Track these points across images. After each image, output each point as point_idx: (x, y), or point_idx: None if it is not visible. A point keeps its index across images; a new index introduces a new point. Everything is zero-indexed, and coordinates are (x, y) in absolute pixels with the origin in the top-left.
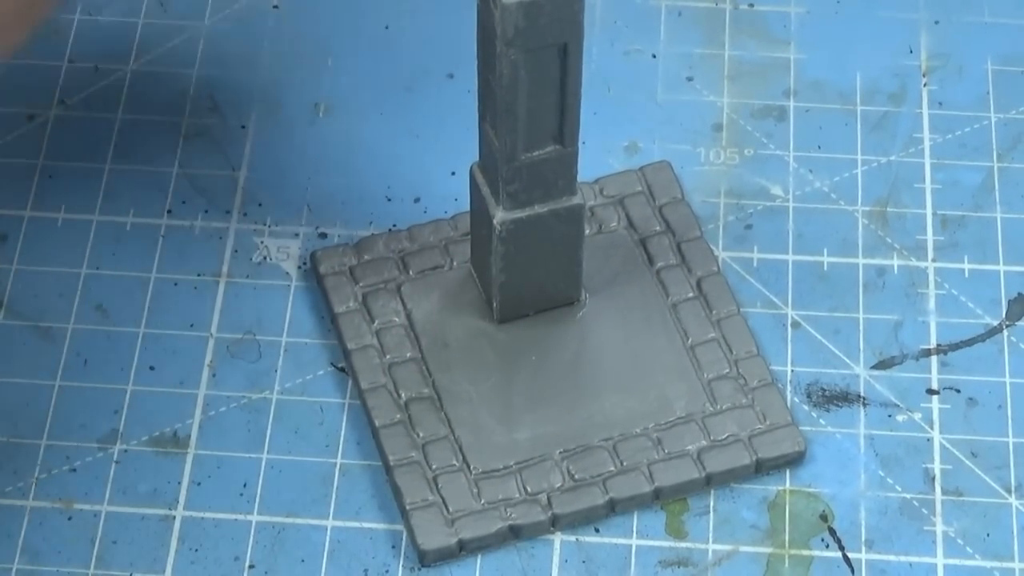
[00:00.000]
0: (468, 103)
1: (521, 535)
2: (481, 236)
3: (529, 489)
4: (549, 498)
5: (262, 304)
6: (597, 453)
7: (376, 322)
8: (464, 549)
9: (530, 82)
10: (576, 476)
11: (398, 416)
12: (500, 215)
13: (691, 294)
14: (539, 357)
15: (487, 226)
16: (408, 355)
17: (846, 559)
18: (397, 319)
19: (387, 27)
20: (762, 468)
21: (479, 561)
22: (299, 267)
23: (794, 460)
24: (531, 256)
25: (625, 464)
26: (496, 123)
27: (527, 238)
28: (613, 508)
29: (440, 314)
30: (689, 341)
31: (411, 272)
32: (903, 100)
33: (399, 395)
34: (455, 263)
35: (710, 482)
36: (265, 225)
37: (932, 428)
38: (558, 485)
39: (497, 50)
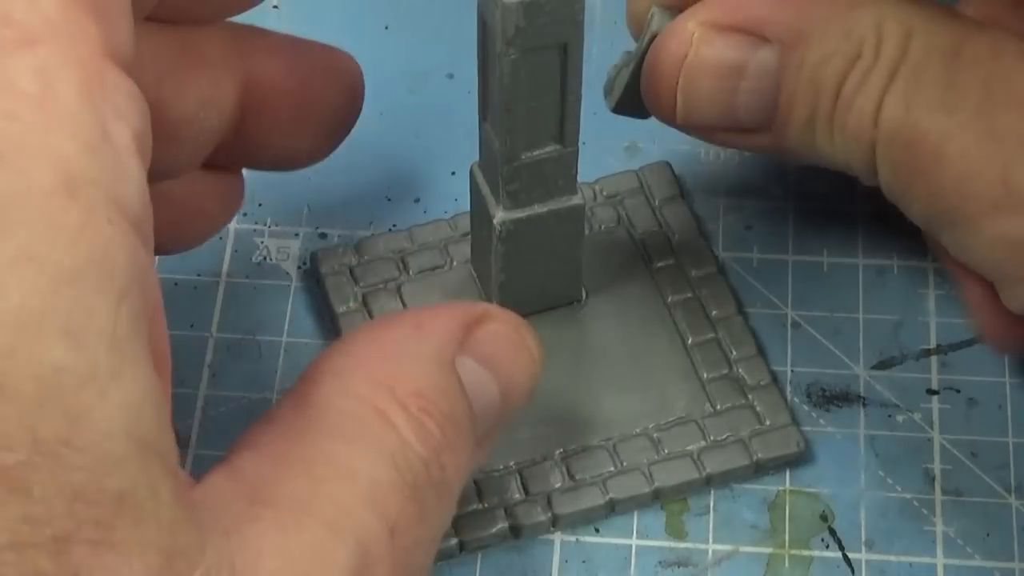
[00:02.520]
0: (468, 103)
1: (521, 535)
2: (481, 236)
3: (529, 489)
4: (549, 498)
5: (262, 304)
6: (597, 453)
7: None
8: (464, 549)
9: (530, 82)
10: (576, 476)
11: None
12: (500, 215)
13: (690, 294)
14: None
15: (487, 226)
16: None
17: (846, 559)
18: None
19: (387, 27)
20: (762, 468)
21: (479, 561)
22: (299, 267)
23: (794, 460)
24: (531, 256)
25: (625, 464)
26: (496, 123)
27: (527, 238)
28: (613, 508)
29: None
30: (689, 341)
31: (411, 272)
32: None
33: None
34: (455, 263)
35: (710, 482)
36: (265, 225)
37: (932, 428)
38: (558, 485)
39: (497, 49)
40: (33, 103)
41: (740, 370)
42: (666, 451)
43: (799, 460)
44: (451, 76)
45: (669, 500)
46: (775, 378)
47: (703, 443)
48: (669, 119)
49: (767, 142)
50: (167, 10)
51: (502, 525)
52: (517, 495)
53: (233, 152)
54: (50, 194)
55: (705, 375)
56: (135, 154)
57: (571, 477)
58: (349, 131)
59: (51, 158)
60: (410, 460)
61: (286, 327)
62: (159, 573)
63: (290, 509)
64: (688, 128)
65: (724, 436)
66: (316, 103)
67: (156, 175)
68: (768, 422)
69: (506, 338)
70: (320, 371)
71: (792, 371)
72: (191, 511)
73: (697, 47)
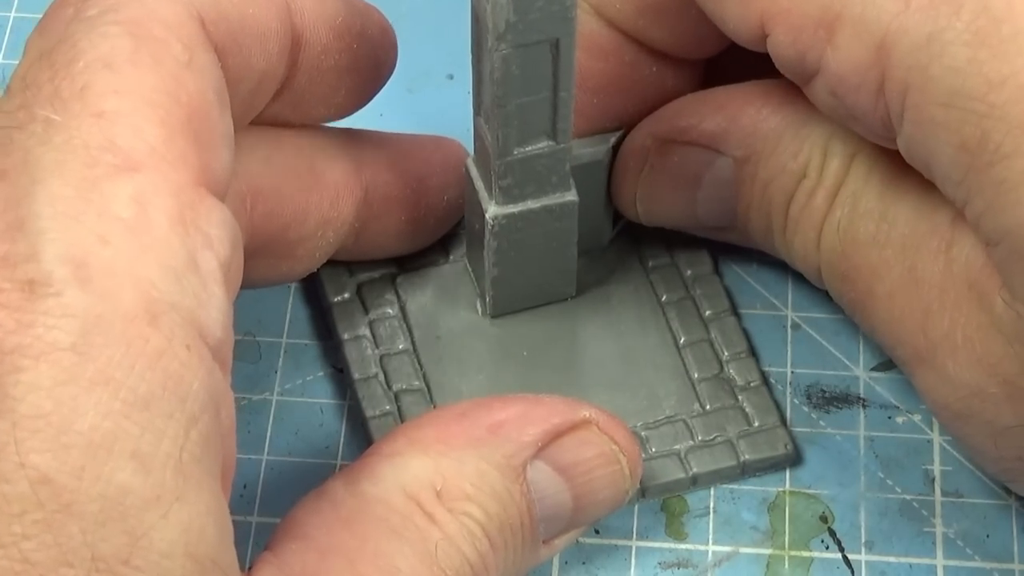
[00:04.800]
0: (468, 103)
1: None
2: (475, 230)
3: None
4: None
5: (262, 305)
6: None
7: (370, 313)
8: None
9: (522, 77)
10: None
11: (388, 407)
12: (493, 210)
13: (684, 293)
14: (530, 352)
15: (480, 221)
16: (400, 347)
17: (846, 560)
18: (391, 311)
19: None
20: (748, 470)
21: None
22: None
23: (782, 462)
24: (524, 251)
25: None
26: (488, 118)
27: (520, 233)
28: None
29: (434, 307)
30: (681, 340)
31: (407, 265)
32: None
33: (389, 386)
34: (451, 257)
35: (696, 482)
36: None
37: (932, 429)
38: None
39: (489, 45)
40: (126, 229)
41: (731, 370)
42: (653, 450)
43: (788, 462)
44: (451, 76)
45: (658, 499)
46: (766, 379)
47: (691, 443)
48: (630, 218)
49: (734, 238)
50: (268, 119)
51: None
52: None
53: (349, 255)
54: (132, 319)
55: (696, 375)
56: (220, 281)
57: None
58: (459, 217)
59: (137, 283)
60: (452, 556)
61: (286, 327)
62: None
63: None
64: (654, 226)
65: (712, 436)
66: (429, 204)
67: (267, 283)
68: (757, 423)
69: (595, 448)
70: (381, 452)
71: (792, 372)
72: None
73: (652, 160)
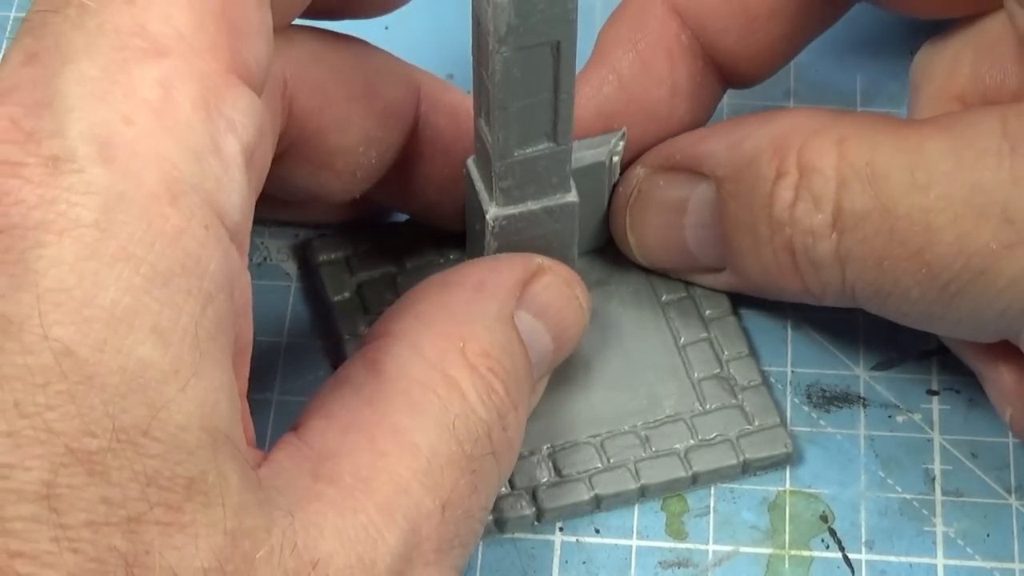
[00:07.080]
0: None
1: (506, 529)
2: (475, 231)
3: (515, 483)
4: (535, 492)
5: (262, 304)
6: (584, 449)
7: (370, 313)
8: None
9: (523, 79)
10: (563, 471)
11: None
12: (493, 211)
13: (684, 293)
14: None
15: (480, 221)
16: None
17: (846, 560)
18: None
19: (387, 27)
20: (749, 468)
21: (479, 561)
22: (299, 268)
23: (782, 461)
24: (524, 252)
25: (612, 461)
26: (489, 119)
27: (520, 234)
28: (599, 504)
29: None
30: (681, 340)
31: (407, 265)
32: (903, 101)
33: None
34: (451, 257)
35: (696, 481)
36: (265, 226)
37: (932, 429)
38: (544, 480)
39: (490, 47)
40: (150, 110)
41: (731, 370)
42: (654, 449)
43: (787, 461)
44: (451, 76)
45: (658, 498)
46: (766, 379)
47: (691, 442)
48: (631, 257)
49: (733, 280)
50: (316, 10)
51: (488, 519)
52: (504, 489)
53: (391, 198)
54: (153, 197)
55: (696, 374)
56: (241, 166)
57: (557, 472)
58: None
59: (159, 162)
60: (471, 429)
61: (286, 327)
62: (224, 552)
63: (350, 487)
64: (655, 268)
65: (712, 435)
66: None
67: (312, 197)
68: (757, 422)
69: (558, 291)
70: (389, 332)
71: (792, 372)
72: (259, 493)
73: (639, 187)
